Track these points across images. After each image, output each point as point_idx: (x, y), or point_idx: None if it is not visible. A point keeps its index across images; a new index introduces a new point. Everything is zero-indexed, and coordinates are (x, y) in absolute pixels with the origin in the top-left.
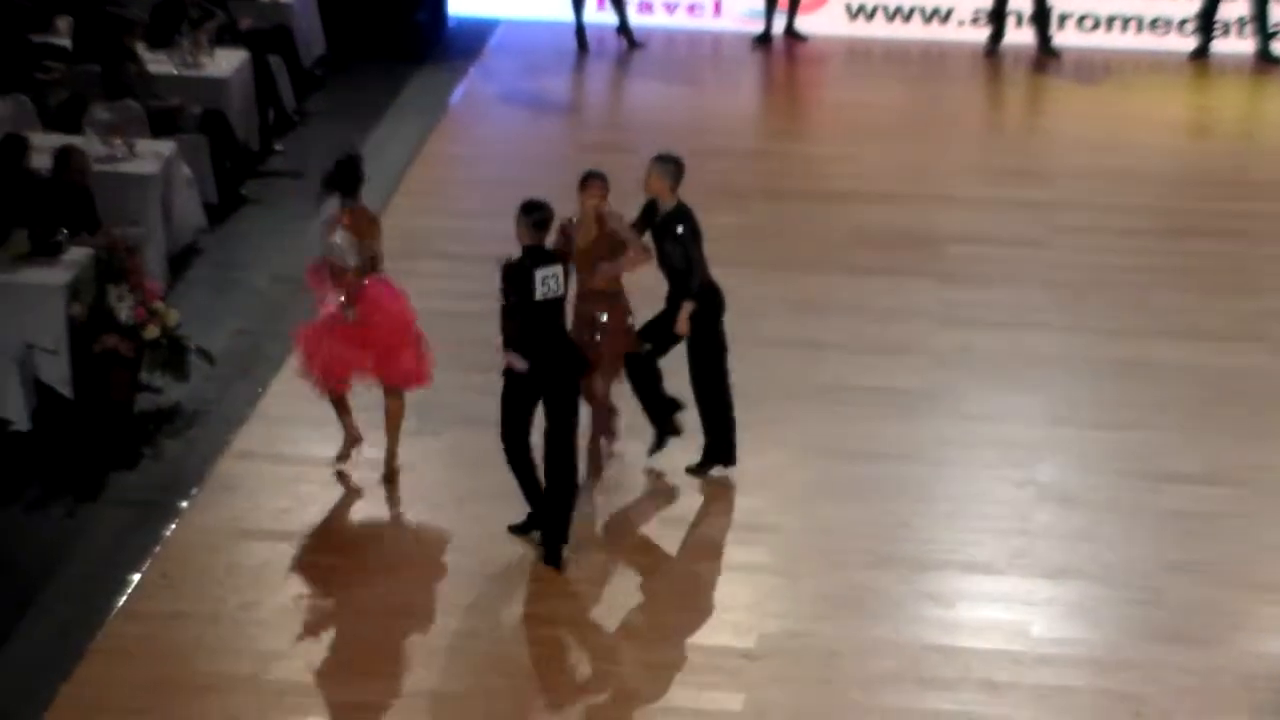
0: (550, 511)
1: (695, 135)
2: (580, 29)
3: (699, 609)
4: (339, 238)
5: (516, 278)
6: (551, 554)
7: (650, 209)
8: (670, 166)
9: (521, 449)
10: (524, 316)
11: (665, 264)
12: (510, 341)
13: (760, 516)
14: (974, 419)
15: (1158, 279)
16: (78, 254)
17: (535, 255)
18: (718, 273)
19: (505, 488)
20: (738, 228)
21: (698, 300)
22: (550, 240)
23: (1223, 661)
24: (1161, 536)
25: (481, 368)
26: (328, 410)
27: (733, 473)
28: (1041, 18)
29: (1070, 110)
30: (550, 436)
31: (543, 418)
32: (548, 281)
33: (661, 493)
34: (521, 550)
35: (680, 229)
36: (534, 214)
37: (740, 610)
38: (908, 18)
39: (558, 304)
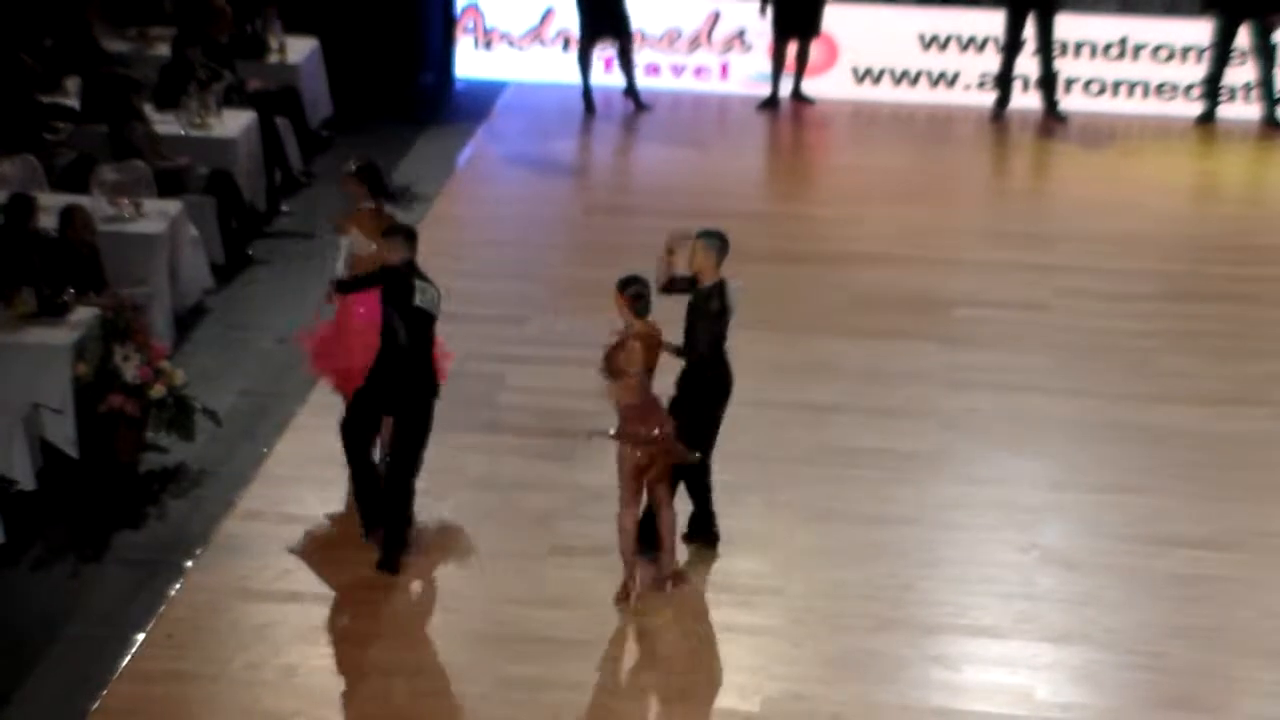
0: (389, 522)
1: (701, 198)
2: (587, 91)
3: (703, 671)
4: (344, 244)
5: (396, 284)
6: (388, 560)
7: (692, 281)
8: (717, 242)
9: (359, 447)
10: (402, 324)
11: (689, 342)
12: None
13: (764, 579)
14: (978, 482)
15: (1162, 343)
16: (84, 314)
17: (413, 268)
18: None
19: (510, 549)
20: (743, 290)
21: (708, 372)
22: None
23: None
24: (1165, 601)
25: (484, 429)
26: (333, 470)
27: (737, 535)
28: (1048, 82)
29: (1076, 174)
30: (395, 450)
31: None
32: (426, 291)
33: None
34: (527, 612)
35: (709, 309)
36: (396, 233)
37: (744, 673)
38: (914, 81)
39: (430, 321)
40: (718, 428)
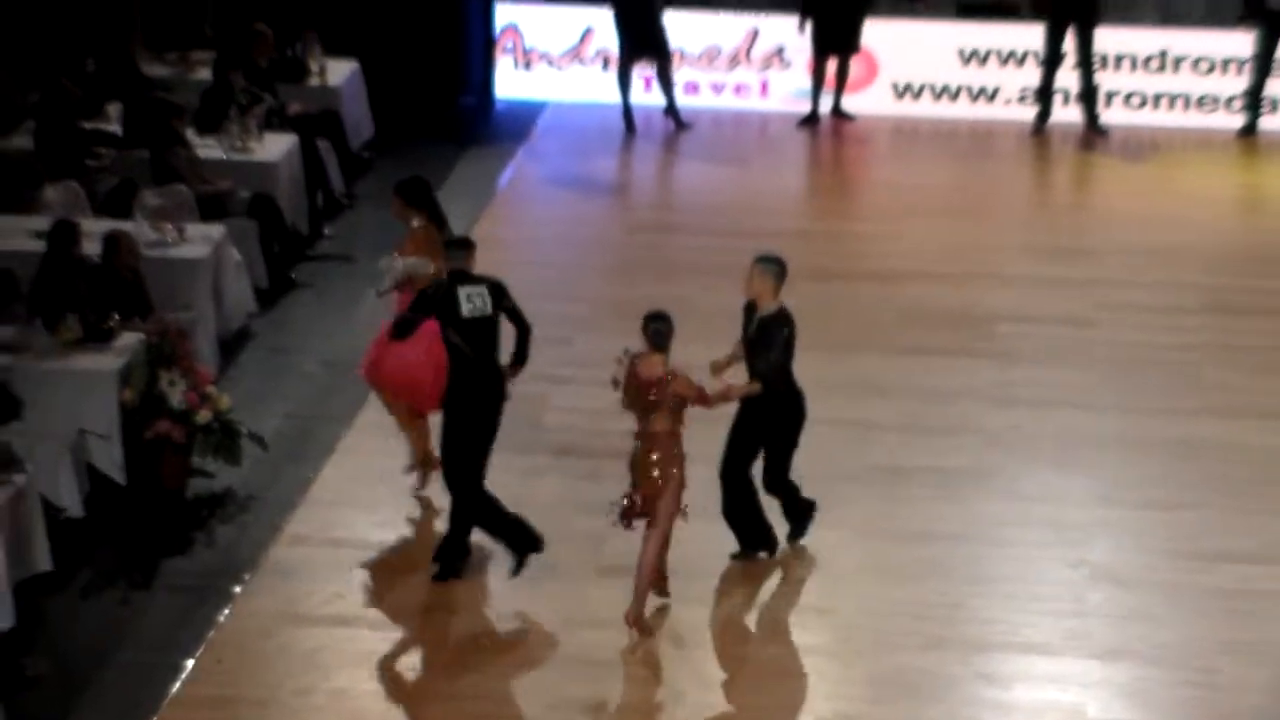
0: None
1: (743, 216)
2: (627, 110)
3: (753, 692)
4: (399, 264)
5: (440, 297)
6: (446, 569)
7: (749, 310)
8: (774, 268)
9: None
10: (455, 334)
11: (754, 371)
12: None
13: (814, 598)
14: (1026, 499)
15: (1207, 357)
16: (129, 339)
17: (458, 276)
18: None
19: (554, 569)
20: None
21: (782, 401)
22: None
23: None
24: (1214, 616)
25: (529, 450)
26: (380, 493)
27: (784, 553)
28: (1089, 95)
29: (1118, 188)
30: (443, 451)
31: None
32: (472, 299)
33: (714, 574)
34: (575, 634)
35: (776, 337)
36: (454, 245)
37: (794, 692)
38: (955, 96)
39: (487, 323)
40: (793, 452)
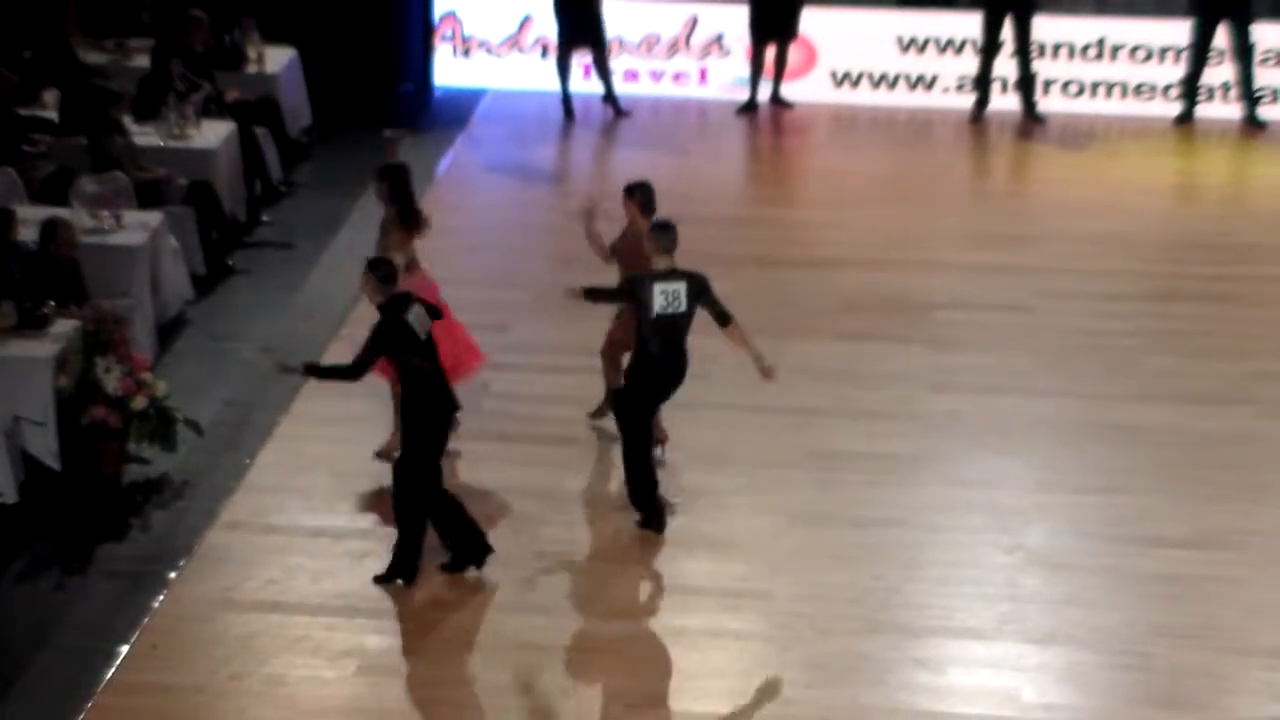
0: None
1: (682, 203)
2: (566, 98)
3: (689, 676)
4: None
5: (396, 332)
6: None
7: None
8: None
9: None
10: (417, 358)
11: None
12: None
13: (750, 583)
14: (963, 484)
15: (1144, 343)
16: (65, 326)
17: (399, 303)
18: (706, 340)
19: (494, 555)
20: (725, 295)
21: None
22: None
23: None
24: (1150, 601)
25: (469, 436)
26: (316, 479)
27: (722, 539)
28: (1026, 84)
29: (1056, 175)
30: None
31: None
32: (421, 319)
33: (652, 558)
34: (510, 618)
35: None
36: (379, 269)
37: (731, 677)
38: (893, 84)
39: (432, 341)
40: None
